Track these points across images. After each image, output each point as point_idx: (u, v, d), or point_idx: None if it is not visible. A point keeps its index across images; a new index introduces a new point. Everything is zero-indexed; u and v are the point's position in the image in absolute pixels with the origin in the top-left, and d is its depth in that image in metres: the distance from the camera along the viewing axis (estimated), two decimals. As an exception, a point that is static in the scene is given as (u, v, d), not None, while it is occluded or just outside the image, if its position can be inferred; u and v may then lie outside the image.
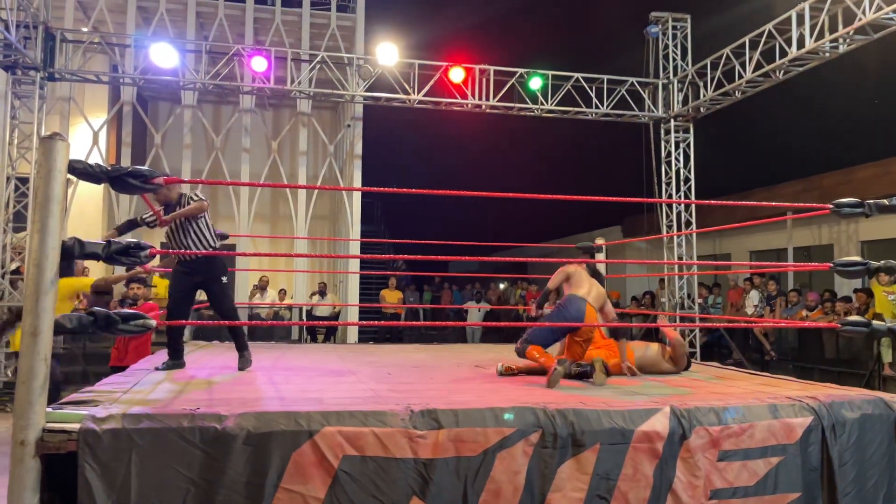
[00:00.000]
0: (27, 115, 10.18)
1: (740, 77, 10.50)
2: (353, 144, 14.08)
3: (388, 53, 11.51)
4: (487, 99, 11.72)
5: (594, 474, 3.44)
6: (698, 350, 11.61)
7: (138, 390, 4.01)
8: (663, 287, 12.92)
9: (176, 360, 5.15)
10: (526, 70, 11.74)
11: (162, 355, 5.52)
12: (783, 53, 9.61)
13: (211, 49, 11.60)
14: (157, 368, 5.00)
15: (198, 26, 14.08)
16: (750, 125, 19.98)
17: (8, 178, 10.08)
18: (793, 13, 9.34)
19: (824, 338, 9.94)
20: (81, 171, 3.33)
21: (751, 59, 10.21)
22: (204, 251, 5.15)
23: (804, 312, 10.42)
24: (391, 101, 11.87)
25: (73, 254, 3.26)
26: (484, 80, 11.70)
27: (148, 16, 13.82)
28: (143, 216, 5.27)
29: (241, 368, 5.13)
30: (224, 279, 5.36)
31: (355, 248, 13.49)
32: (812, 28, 9.03)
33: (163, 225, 5.15)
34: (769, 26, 9.78)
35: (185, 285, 5.23)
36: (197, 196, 5.21)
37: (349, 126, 14.35)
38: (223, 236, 6.30)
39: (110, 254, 3.33)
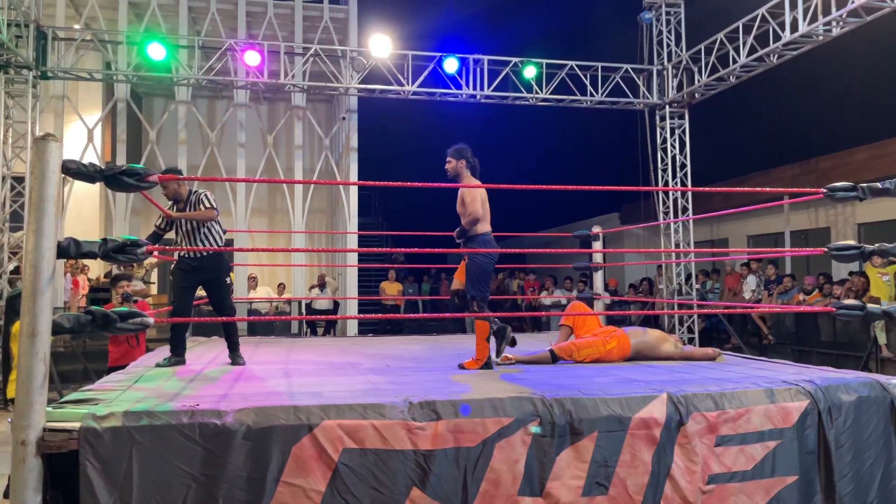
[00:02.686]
0: (21, 114, 10.15)
1: (734, 62, 10.48)
2: (349, 137, 14.05)
3: (382, 45, 11.48)
4: (482, 89, 11.69)
5: (592, 462, 3.47)
6: (697, 336, 11.65)
7: (138, 388, 4.03)
8: (661, 274, 12.95)
9: (178, 356, 5.19)
10: (520, 59, 11.71)
11: (162, 352, 5.54)
12: (777, 37, 9.60)
13: (204, 44, 11.55)
14: (158, 365, 5.03)
15: (190, 21, 14.00)
16: (745, 110, 19.96)
17: (3, 178, 10.06)
18: (786, -3, 9.32)
19: (821, 321, 9.98)
20: (75, 171, 3.33)
21: (744, 43, 10.19)
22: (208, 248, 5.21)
23: (801, 296, 10.46)
24: (386, 93, 11.84)
25: (69, 253, 3.27)
26: (478, 69, 11.67)
27: (140, 12, 13.74)
28: (157, 222, 5.36)
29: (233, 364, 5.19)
30: (228, 279, 5.42)
31: (353, 240, 13.49)
32: (805, 11, 9.01)
33: (170, 220, 5.25)
34: (762, 10, 9.76)
35: (190, 282, 5.27)
36: (208, 200, 5.25)
37: (344, 119, 14.31)
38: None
39: (107, 252, 3.34)
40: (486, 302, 5.09)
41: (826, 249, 4.42)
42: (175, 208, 5.29)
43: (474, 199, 4.98)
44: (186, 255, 5.24)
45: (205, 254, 5.22)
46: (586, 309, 5.56)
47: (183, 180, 5.25)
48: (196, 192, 5.30)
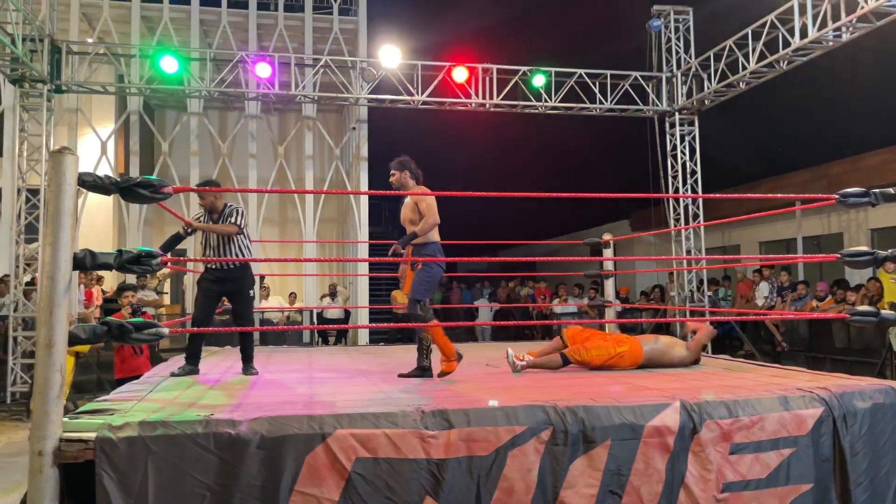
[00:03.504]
0: (35, 127, 10.27)
1: (744, 68, 10.47)
2: (359, 147, 14.13)
3: (391, 55, 11.55)
4: (491, 98, 11.73)
5: (606, 470, 3.46)
6: (709, 343, 11.57)
7: (153, 398, 4.06)
8: (672, 281, 12.90)
9: (192, 365, 5.22)
10: (529, 68, 11.74)
11: (175, 362, 5.58)
12: (786, 43, 9.58)
13: (215, 56, 11.67)
14: (172, 374, 5.06)
15: (202, 34, 14.16)
16: (756, 115, 19.89)
17: (18, 191, 10.17)
18: (794, 2, 9.31)
19: (835, 328, 9.90)
20: (91, 183, 3.37)
21: (754, 49, 10.17)
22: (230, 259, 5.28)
23: (814, 303, 10.39)
24: (395, 103, 11.90)
25: (85, 265, 3.30)
26: (487, 78, 11.71)
27: (152, 25, 13.92)
28: (184, 227, 5.44)
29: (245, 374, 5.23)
30: (251, 292, 5.49)
31: (364, 250, 13.54)
32: (815, 17, 8.99)
33: (191, 229, 5.35)
34: (771, 16, 9.74)
35: (214, 293, 5.33)
36: (236, 216, 5.32)
37: (354, 129, 14.40)
38: None
39: (122, 263, 3.38)
40: (430, 309, 5.14)
41: (839, 255, 4.40)
42: (208, 219, 5.34)
43: (430, 205, 5.05)
44: (214, 267, 5.30)
45: (232, 266, 5.28)
46: (583, 333, 5.53)
47: (203, 191, 5.31)
48: (231, 206, 5.38)
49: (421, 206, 5.03)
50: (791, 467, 3.69)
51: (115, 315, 6.47)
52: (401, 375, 5.03)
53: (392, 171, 5.22)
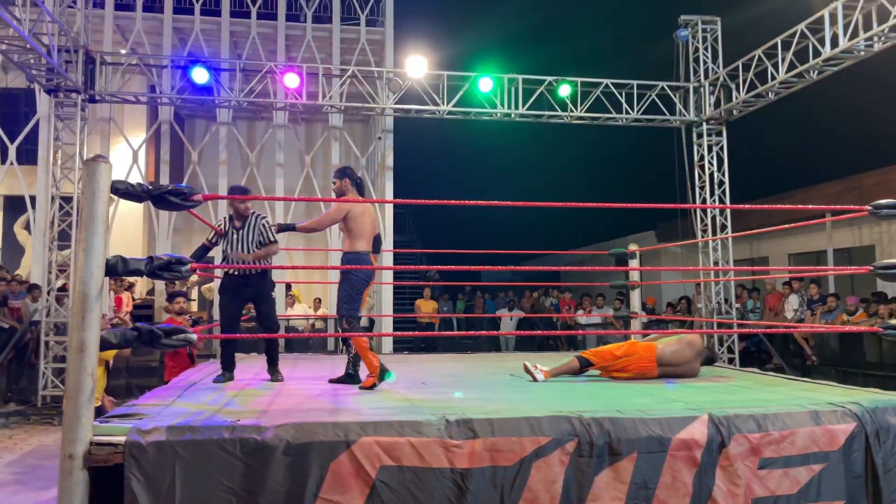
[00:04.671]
0: (69, 136, 10.48)
1: (773, 78, 10.35)
2: (385, 156, 14.21)
3: (417, 66, 11.61)
4: (516, 107, 11.72)
5: (632, 483, 3.42)
6: (737, 356, 11.42)
7: (181, 403, 4.11)
8: (700, 292, 12.75)
9: (230, 372, 5.29)
10: (555, 77, 11.72)
11: (203, 368, 5.65)
12: (817, 53, 9.45)
13: (244, 67, 11.83)
14: (214, 381, 5.13)
15: (231, 45, 14.38)
16: (785, 126, 19.65)
17: (52, 198, 10.38)
18: (825, 12, 9.19)
19: (866, 342, 9.70)
20: (124, 191, 3.44)
21: (783, 59, 10.05)
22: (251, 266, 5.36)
23: (845, 316, 10.19)
24: (421, 113, 11.95)
25: (117, 271, 3.36)
26: (512, 88, 11.72)
27: (183, 37, 14.17)
28: (210, 237, 5.55)
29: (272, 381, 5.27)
30: (273, 295, 5.57)
31: (389, 258, 13.59)
32: (846, 27, 8.87)
33: (222, 236, 5.46)
34: (801, 26, 9.63)
35: (239, 299, 5.40)
36: (272, 233, 5.44)
37: (380, 138, 14.49)
38: None
39: (153, 270, 3.44)
40: (358, 320, 5.20)
41: (871, 268, 4.32)
42: (230, 226, 5.41)
43: (329, 212, 5.20)
44: (236, 273, 5.37)
45: (253, 271, 5.35)
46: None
47: (226, 199, 5.41)
48: (255, 214, 5.46)
49: (328, 208, 5.22)
50: (822, 483, 3.61)
51: (167, 320, 6.60)
52: (331, 381, 5.19)
53: (333, 180, 5.46)
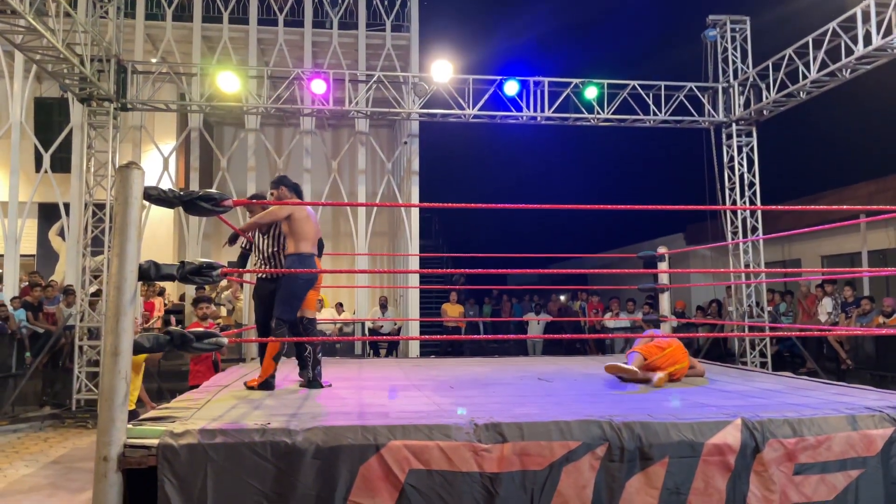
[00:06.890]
0: (102, 144, 10.68)
1: (804, 77, 10.17)
2: (410, 161, 14.25)
3: (443, 70, 11.62)
4: (542, 110, 11.68)
5: (664, 488, 3.38)
6: (769, 360, 11.23)
7: (213, 406, 4.15)
8: (730, 295, 12.57)
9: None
10: (581, 80, 11.66)
11: (232, 372, 5.70)
12: (849, 52, 9.28)
13: (272, 74, 11.96)
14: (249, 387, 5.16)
15: (259, 53, 14.56)
16: (817, 126, 19.31)
17: (86, 205, 10.58)
18: (857, 10, 9.01)
19: (904, 345, 9.48)
20: (156, 197, 3.49)
21: (815, 58, 9.88)
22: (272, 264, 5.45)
23: (881, 319, 9.97)
24: (447, 117, 11.96)
25: (150, 276, 3.42)
26: (538, 91, 11.67)
27: (212, 45, 14.38)
28: (242, 244, 5.69)
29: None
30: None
31: (414, 262, 13.61)
32: (878, 25, 8.69)
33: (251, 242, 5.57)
34: (833, 24, 9.46)
35: (270, 302, 5.45)
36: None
37: (406, 143, 14.54)
38: None
39: (184, 274, 3.49)
40: (287, 325, 5.12)
41: (909, 269, 4.22)
42: (259, 229, 5.50)
43: (267, 211, 5.17)
44: (265, 277, 5.42)
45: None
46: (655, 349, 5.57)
47: (256, 204, 5.49)
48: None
49: (270, 209, 5.18)
50: (860, 490, 3.54)
51: (191, 325, 6.69)
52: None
53: (270, 191, 5.54)
